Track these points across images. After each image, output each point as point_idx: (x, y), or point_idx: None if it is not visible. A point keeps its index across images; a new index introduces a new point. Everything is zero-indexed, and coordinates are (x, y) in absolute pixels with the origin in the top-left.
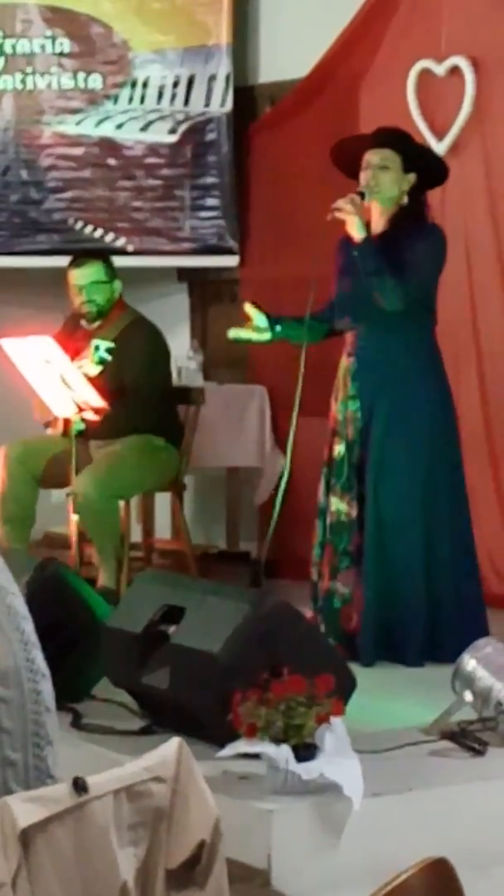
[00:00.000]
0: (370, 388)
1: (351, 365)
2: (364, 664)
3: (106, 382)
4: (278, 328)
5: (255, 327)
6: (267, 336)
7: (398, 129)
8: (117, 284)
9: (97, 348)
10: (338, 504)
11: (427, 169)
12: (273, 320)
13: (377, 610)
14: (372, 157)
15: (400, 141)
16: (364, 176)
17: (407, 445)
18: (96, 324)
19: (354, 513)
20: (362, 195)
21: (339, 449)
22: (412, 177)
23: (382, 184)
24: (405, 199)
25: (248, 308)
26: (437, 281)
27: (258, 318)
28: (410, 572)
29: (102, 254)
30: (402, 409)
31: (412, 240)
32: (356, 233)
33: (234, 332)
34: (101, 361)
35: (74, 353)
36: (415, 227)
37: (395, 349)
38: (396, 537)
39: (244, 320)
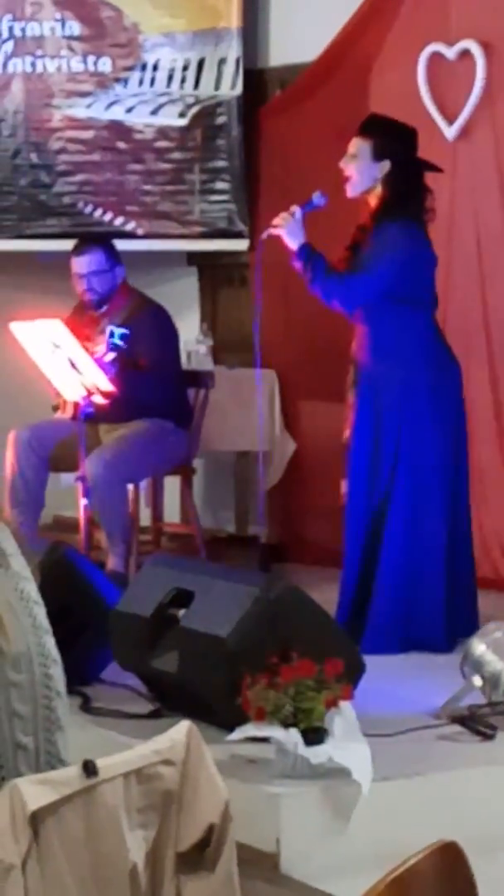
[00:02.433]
0: (376, 380)
1: (355, 352)
2: (387, 653)
3: (121, 365)
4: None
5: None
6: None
7: (377, 115)
8: (119, 270)
9: (112, 334)
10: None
11: (404, 155)
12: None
13: (399, 597)
14: (350, 146)
15: (371, 128)
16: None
17: (417, 437)
18: (103, 309)
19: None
20: (309, 202)
21: (347, 434)
22: (385, 164)
23: (353, 174)
24: (379, 189)
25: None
26: (401, 273)
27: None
28: (428, 559)
29: (105, 239)
30: (410, 400)
31: (371, 238)
32: (291, 243)
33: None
34: (116, 348)
35: (84, 339)
36: (384, 222)
37: (394, 341)
38: (411, 525)
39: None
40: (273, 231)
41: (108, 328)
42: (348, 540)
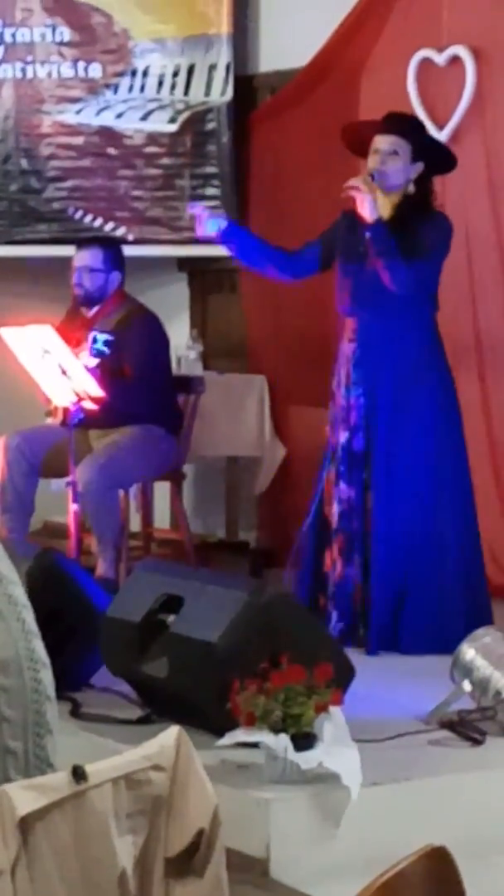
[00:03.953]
0: (373, 373)
1: (353, 351)
2: (369, 653)
3: (105, 372)
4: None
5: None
6: (211, 230)
7: (411, 115)
8: (115, 276)
9: (95, 340)
10: (348, 491)
11: (435, 159)
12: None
13: (387, 599)
14: (381, 142)
15: (411, 129)
16: (372, 160)
17: (413, 431)
18: (94, 310)
19: (355, 498)
20: (372, 178)
21: (345, 435)
22: (420, 166)
23: (390, 170)
24: (411, 188)
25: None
26: (441, 267)
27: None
28: (421, 560)
29: (111, 243)
30: (407, 394)
31: (420, 225)
32: (369, 212)
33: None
34: (99, 354)
35: (75, 342)
36: (422, 214)
37: (397, 334)
38: (406, 524)
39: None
40: (353, 192)
41: (92, 334)
42: (375, 545)
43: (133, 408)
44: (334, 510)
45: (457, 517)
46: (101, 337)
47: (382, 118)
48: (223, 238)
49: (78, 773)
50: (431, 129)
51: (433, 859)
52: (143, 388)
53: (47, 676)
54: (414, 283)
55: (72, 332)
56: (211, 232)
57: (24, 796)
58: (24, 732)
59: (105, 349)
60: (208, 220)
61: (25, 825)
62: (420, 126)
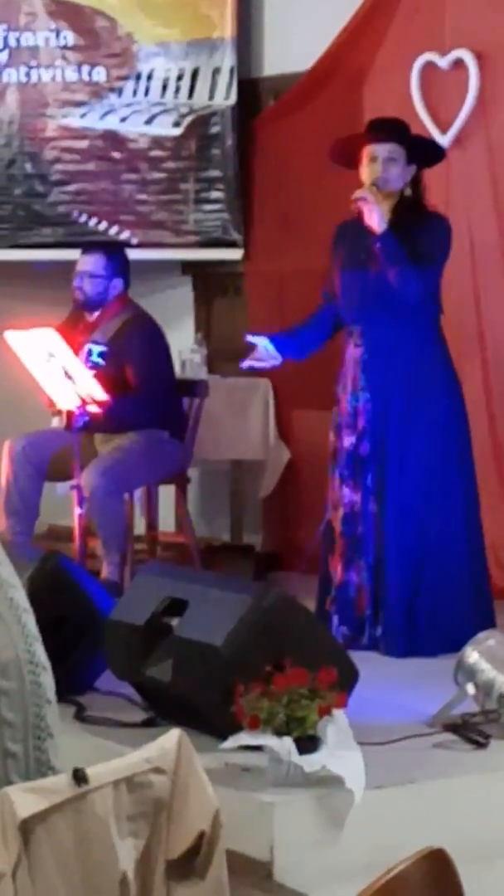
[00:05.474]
0: (381, 378)
1: (360, 356)
2: (394, 655)
3: (105, 383)
4: (285, 353)
5: (262, 355)
6: (277, 361)
7: (397, 119)
8: (117, 282)
9: (90, 353)
10: (351, 496)
11: (425, 155)
12: (276, 341)
13: (400, 602)
14: (379, 150)
15: (404, 133)
16: (372, 169)
17: (423, 435)
18: (96, 315)
19: (360, 503)
20: (376, 187)
21: (351, 440)
22: (413, 168)
23: (392, 175)
24: (407, 190)
25: (251, 338)
26: (443, 269)
27: (263, 343)
28: (431, 563)
29: (115, 249)
30: (417, 399)
31: (422, 230)
32: (377, 224)
33: (248, 363)
34: (95, 366)
35: (77, 346)
36: (421, 217)
37: (404, 339)
38: (416, 528)
39: (248, 349)
40: (362, 204)
41: (87, 347)
42: (388, 549)
43: (140, 421)
44: (338, 515)
45: (463, 519)
46: (97, 349)
47: (370, 126)
48: (281, 354)
49: (79, 776)
50: (435, 132)
51: (432, 861)
52: (147, 399)
53: (47, 680)
54: (424, 290)
55: (73, 336)
56: (267, 362)
57: (26, 799)
58: (25, 735)
59: (100, 361)
60: (262, 350)
61: (27, 828)
62: (407, 127)
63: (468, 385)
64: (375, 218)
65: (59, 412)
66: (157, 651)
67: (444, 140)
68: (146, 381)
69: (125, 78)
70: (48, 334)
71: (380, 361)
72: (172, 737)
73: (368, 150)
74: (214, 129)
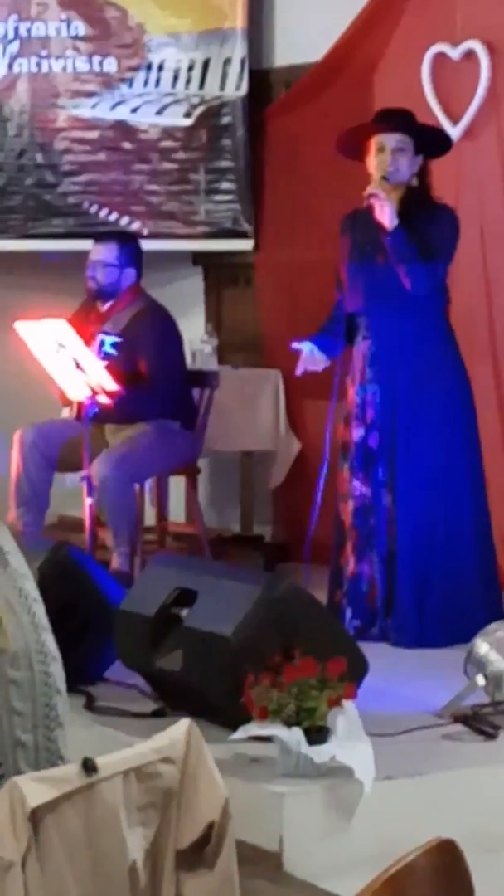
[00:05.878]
0: (389, 370)
1: (368, 348)
2: (405, 646)
3: (117, 373)
4: (331, 353)
5: (313, 359)
6: (327, 362)
7: (405, 109)
8: (129, 272)
9: (103, 343)
10: (362, 488)
11: (432, 145)
12: (319, 343)
13: (412, 593)
14: (387, 140)
15: (412, 124)
16: (380, 160)
17: (431, 426)
18: (108, 305)
19: (371, 495)
20: (386, 179)
21: (360, 432)
22: (420, 159)
23: (402, 166)
24: (414, 181)
25: (297, 345)
26: (452, 262)
27: (308, 347)
28: (442, 554)
29: (128, 239)
30: (424, 389)
31: (431, 223)
32: (388, 220)
33: (302, 369)
34: (107, 357)
35: (89, 336)
36: (429, 209)
37: (412, 330)
38: (426, 519)
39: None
40: (374, 201)
41: (100, 337)
42: (400, 541)
43: (152, 411)
44: (349, 507)
45: (472, 510)
46: (109, 339)
47: (378, 116)
48: (328, 355)
49: (88, 766)
50: (446, 123)
51: (441, 852)
52: (159, 390)
53: (57, 670)
54: (433, 283)
55: (85, 326)
56: (318, 365)
57: (35, 788)
58: (35, 725)
59: (113, 351)
60: (309, 355)
61: (36, 817)
62: (415, 117)
63: (477, 376)
64: (387, 214)
65: (70, 403)
66: (167, 641)
67: (455, 131)
68: (158, 372)
69: (136, 68)
70: (59, 325)
71: (387, 354)
72: (182, 727)
73: (376, 140)
74: (225, 120)
